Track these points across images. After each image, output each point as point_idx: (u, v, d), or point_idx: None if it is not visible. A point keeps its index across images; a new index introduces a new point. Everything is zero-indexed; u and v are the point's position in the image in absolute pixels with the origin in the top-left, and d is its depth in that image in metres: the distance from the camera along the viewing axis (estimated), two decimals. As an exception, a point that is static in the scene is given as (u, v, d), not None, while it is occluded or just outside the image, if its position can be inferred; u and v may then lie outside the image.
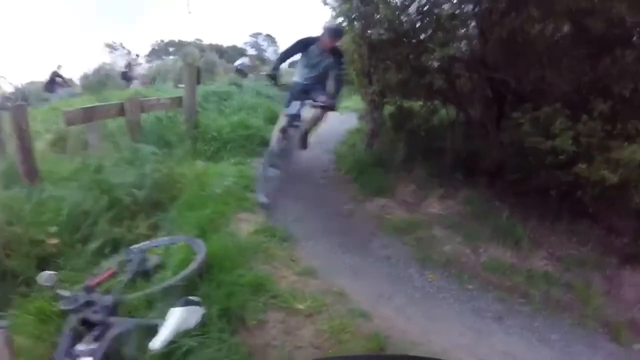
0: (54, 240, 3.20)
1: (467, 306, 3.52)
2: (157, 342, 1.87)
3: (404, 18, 4.95)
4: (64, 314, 2.34)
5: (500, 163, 4.97)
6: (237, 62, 16.06)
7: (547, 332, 3.34)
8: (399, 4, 4.92)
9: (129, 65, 14.25)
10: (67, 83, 13.86)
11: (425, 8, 4.86)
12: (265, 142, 6.72)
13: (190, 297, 2.03)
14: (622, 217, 4.48)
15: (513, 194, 4.91)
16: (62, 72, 13.84)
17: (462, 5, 4.74)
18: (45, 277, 2.32)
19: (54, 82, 13.41)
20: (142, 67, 14.70)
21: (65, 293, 2.39)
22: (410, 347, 2.65)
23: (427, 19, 4.92)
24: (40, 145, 5.87)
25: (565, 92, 4.21)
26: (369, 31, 5.11)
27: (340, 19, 5.38)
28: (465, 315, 3.38)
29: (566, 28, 4.24)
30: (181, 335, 2.06)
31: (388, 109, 6.26)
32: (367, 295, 3.31)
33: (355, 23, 5.31)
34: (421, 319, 3.19)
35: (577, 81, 4.13)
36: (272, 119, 7.71)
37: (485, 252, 4.17)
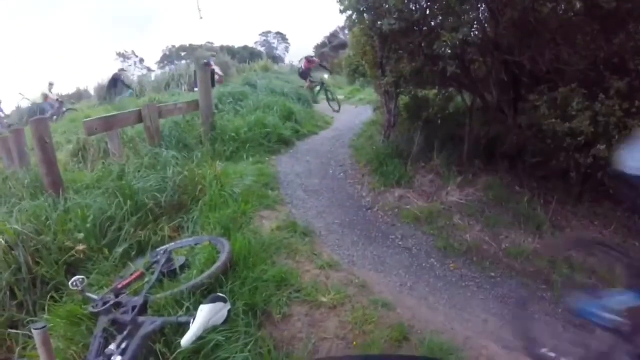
0: (82, 246, 3.31)
1: (490, 293, 3.51)
2: (187, 339, 1.92)
3: (413, 6, 4.91)
4: (94, 316, 2.44)
5: (519, 147, 4.90)
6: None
7: (571, 317, 3.31)
8: (408, -8, 4.87)
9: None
10: (127, 85, 14.47)
11: (435, -6, 4.82)
12: (283, 140, 6.81)
13: (218, 294, 2.08)
14: (645, 198, 4.39)
15: (533, 178, 4.85)
16: (123, 75, 14.56)
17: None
18: (75, 281, 2.42)
19: (117, 83, 14.00)
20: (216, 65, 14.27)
21: (94, 296, 2.49)
22: (433, 336, 2.66)
23: (437, 5, 4.86)
24: (62, 155, 6.05)
25: (581, 71, 4.13)
26: (379, 22, 5.05)
27: (349, 12, 5.37)
28: (489, 303, 3.38)
29: (578, 4, 4.15)
30: (209, 331, 2.11)
31: (403, 99, 6.22)
32: (389, 286, 3.34)
33: (365, 15, 5.28)
34: (444, 307, 3.20)
35: (593, 58, 4.05)
36: (289, 117, 7.78)
37: (506, 238, 4.14)
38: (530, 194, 4.59)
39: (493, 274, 3.77)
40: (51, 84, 13.70)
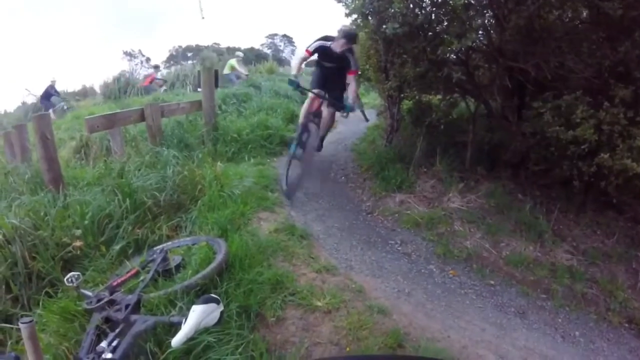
0: (79, 243, 3.31)
1: (489, 302, 3.47)
2: (177, 339, 1.90)
3: (418, 11, 4.89)
4: (87, 313, 2.43)
5: (522, 155, 4.87)
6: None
7: (570, 328, 3.28)
8: (413, -4, 4.85)
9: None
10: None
11: (440, 0, 4.79)
12: (285, 142, 6.80)
13: (211, 295, 2.07)
14: (648, 208, 4.36)
15: (536, 186, 4.81)
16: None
17: (477, -6, 4.65)
18: (70, 277, 2.41)
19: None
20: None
21: (89, 293, 2.48)
22: (429, 343, 2.62)
23: (442, 10, 4.83)
24: (64, 152, 6.06)
25: (586, 79, 4.10)
26: (383, 26, 5.03)
27: (354, 16, 5.36)
28: (487, 311, 3.34)
29: (584, 12, 4.13)
30: (201, 332, 2.09)
31: (406, 104, 6.20)
32: (386, 292, 3.30)
33: (370, 18, 5.26)
34: (441, 315, 3.16)
35: (598, 66, 4.01)
36: (292, 119, 7.76)
37: (507, 246, 4.10)
38: (532, 202, 4.56)
39: (492, 282, 3.74)
40: (238, 56, 14.33)
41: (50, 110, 12.82)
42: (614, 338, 3.27)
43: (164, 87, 14.13)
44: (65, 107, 13.31)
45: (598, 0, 3.67)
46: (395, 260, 3.93)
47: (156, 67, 15.43)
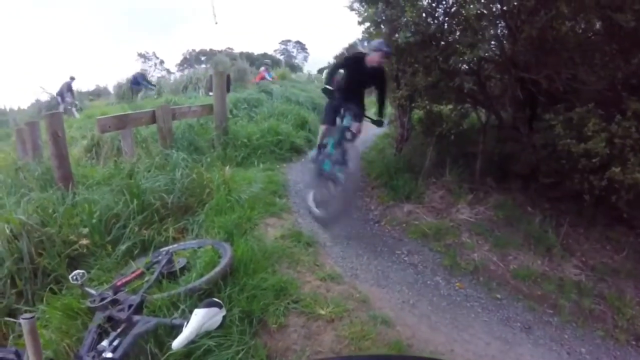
0: (86, 241, 3.34)
1: (494, 315, 3.42)
2: (178, 341, 1.90)
3: (431, 20, 4.88)
4: (91, 311, 2.44)
5: (532, 167, 4.81)
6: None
7: (576, 344, 3.21)
8: (425, 5, 4.84)
9: None
10: None
11: (453, 9, 4.78)
12: (295, 148, 6.81)
13: (213, 299, 2.07)
14: (659, 224, 4.27)
15: (546, 199, 4.75)
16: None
17: (490, 5, 4.63)
18: (75, 275, 2.43)
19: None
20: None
21: (93, 291, 2.50)
22: (432, 357, 2.59)
23: (455, 20, 4.83)
24: (75, 150, 6.13)
25: (598, 91, 4.05)
26: (395, 35, 5.04)
27: (366, 24, 5.37)
28: (493, 325, 3.29)
29: (597, 24, 4.09)
30: (202, 336, 2.09)
31: (417, 113, 6.17)
32: (390, 302, 3.27)
33: (382, 27, 5.26)
34: (446, 327, 3.12)
35: (610, 78, 3.95)
36: (302, 125, 7.78)
37: (515, 259, 4.05)
38: (542, 215, 4.50)
39: (499, 296, 3.68)
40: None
41: (139, 94, 13.70)
42: (620, 356, 3.20)
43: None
44: (155, 97, 13.73)
45: (611, 12, 3.63)
46: (401, 270, 3.90)
47: (266, 64, 15.62)
